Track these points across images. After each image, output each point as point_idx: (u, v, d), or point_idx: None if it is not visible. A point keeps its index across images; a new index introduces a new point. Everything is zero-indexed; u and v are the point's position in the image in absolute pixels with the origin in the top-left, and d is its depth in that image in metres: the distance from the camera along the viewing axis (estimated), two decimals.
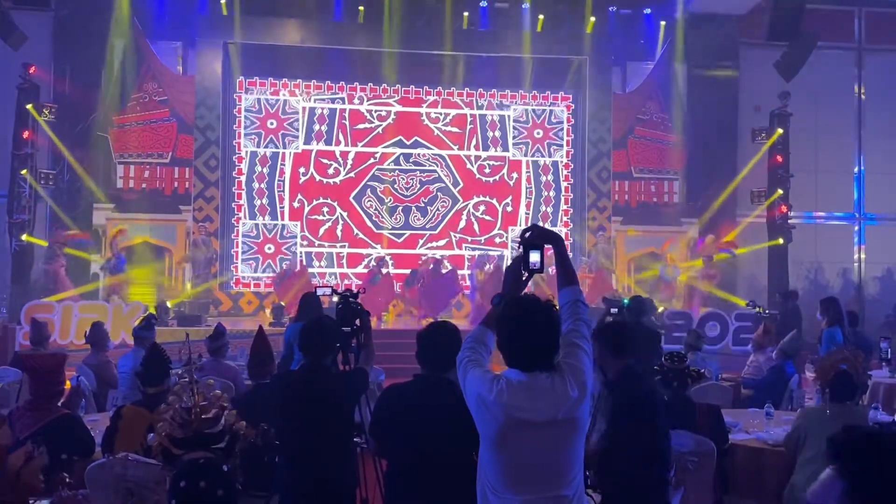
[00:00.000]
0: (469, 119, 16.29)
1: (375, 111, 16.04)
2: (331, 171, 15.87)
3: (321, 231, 15.79)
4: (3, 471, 2.27)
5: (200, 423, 2.44)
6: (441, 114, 16.21)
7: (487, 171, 16.32)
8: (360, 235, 15.82)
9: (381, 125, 16.04)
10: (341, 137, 15.92)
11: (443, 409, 3.19)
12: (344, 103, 15.98)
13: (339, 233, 15.80)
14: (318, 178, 15.82)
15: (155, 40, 14.99)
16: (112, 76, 14.32)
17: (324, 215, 15.85)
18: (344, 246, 15.81)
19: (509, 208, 16.29)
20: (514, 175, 16.38)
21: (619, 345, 3.61)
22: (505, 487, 2.52)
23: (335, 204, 15.85)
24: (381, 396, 3.68)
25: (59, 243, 13.16)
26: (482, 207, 16.26)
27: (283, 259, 15.42)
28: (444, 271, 14.23)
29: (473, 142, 16.25)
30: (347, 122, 15.94)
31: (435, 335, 3.48)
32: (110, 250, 13.66)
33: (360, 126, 15.97)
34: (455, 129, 16.22)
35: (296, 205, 15.75)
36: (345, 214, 15.86)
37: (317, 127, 15.85)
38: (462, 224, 16.17)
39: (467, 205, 16.19)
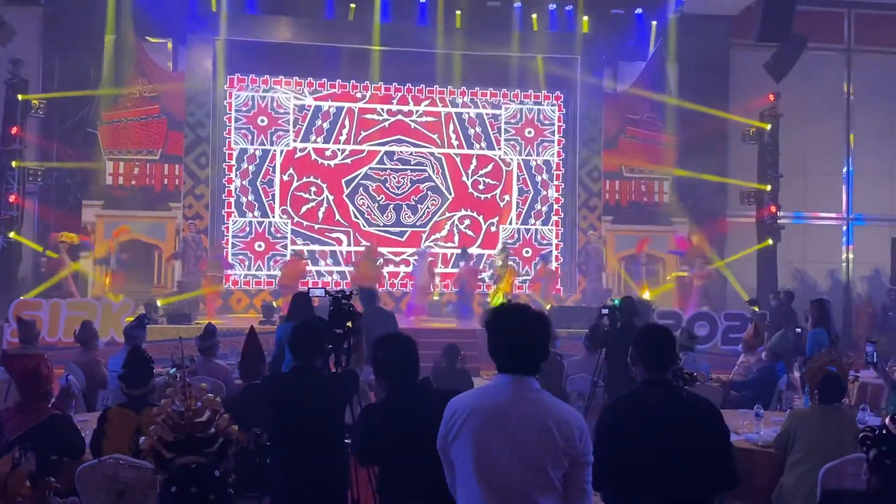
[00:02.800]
0: (459, 118, 16.29)
1: (368, 108, 16.01)
2: (328, 152, 15.86)
3: (303, 209, 15.75)
4: None
5: (192, 427, 2.44)
6: (430, 112, 16.19)
7: (482, 187, 16.31)
8: (340, 219, 15.79)
9: (388, 120, 16.03)
10: (343, 127, 15.91)
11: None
12: (335, 101, 15.96)
13: (320, 215, 15.76)
14: (314, 156, 15.80)
15: (145, 37, 14.91)
16: (101, 72, 14.23)
17: (310, 194, 15.81)
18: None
19: (493, 228, 16.24)
20: (507, 197, 16.36)
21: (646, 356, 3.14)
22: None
23: (324, 186, 15.82)
24: (364, 415, 3.48)
25: (59, 243, 13.09)
26: (467, 221, 16.25)
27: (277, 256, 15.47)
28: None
29: (454, 138, 16.19)
30: (353, 119, 15.96)
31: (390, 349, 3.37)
32: (111, 247, 13.66)
33: (358, 121, 15.96)
34: (443, 127, 16.19)
35: (286, 178, 15.71)
36: (331, 198, 15.83)
37: (310, 123, 15.84)
38: (444, 232, 16.16)
39: (453, 216, 16.18)
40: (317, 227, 15.77)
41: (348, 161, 15.90)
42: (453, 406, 2.60)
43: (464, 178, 16.24)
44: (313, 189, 15.81)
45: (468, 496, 2.51)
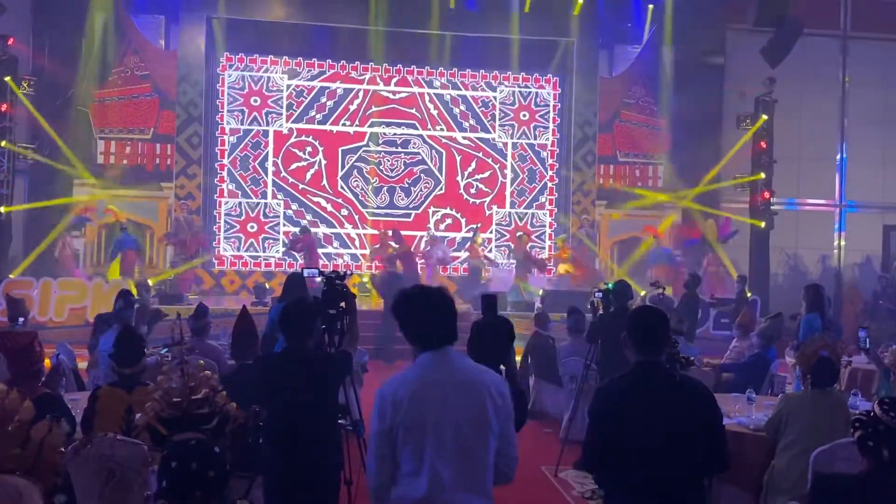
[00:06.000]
0: (452, 100, 16.18)
1: (357, 89, 15.90)
2: (332, 118, 15.78)
3: (293, 165, 15.65)
4: (26, 444, 2.25)
5: (189, 404, 2.42)
6: (422, 94, 16.07)
7: (473, 191, 16.24)
8: (326, 185, 15.73)
9: (396, 99, 15.95)
10: (336, 107, 15.82)
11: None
12: (329, 81, 15.84)
13: (308, 175, 15.67)
14: (318, 118, 15.72)
15: (137, 13, 14.75)
16: (92, 49, 14.08)
17: (304, 153, 15.71)
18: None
19: (470, 233, 15.99)
20: (494, 208, 16.29)
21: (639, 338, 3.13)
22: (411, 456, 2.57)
23: (321, 149, 15.71)
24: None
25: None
26: (448, 221, 16.17)
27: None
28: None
29: (432, 110, 16.08)
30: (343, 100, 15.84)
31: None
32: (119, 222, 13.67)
33: (351, 102, 15.87)
34: (425, 107, 16.07)
35: (285, 131, 15.63)
36: (324, 163, 15.73)
37: (301, 102, 15.74)
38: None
39: (438, 211, 16.10)
40: (301, 186, 15.66)
41: (350, 131, 15.79)
42: (392, 388, 2.64)
43: (458, 178, 16.16)
44: (308, 149, 15.70)
45: (420, 464, 2.58)
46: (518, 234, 15.23)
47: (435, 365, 2.68)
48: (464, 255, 15.42)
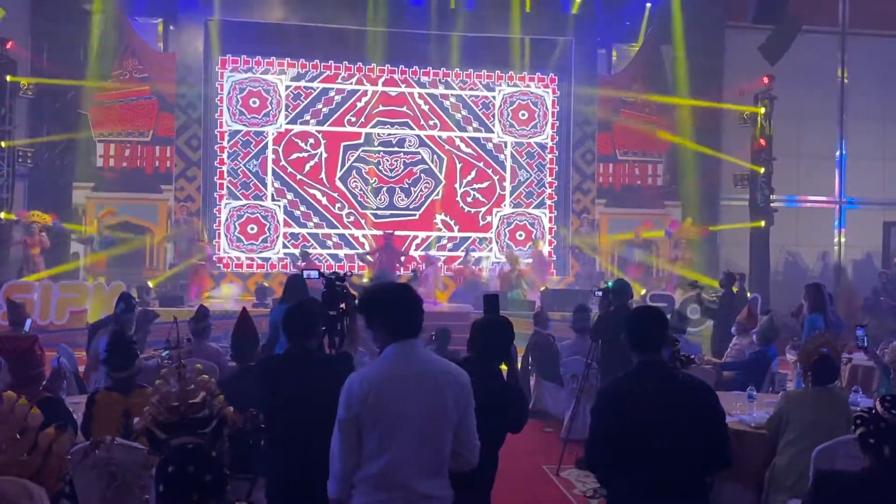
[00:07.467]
0: (451, 100, 16.16)
1: (359, 90, 15.89)
2: (335, 116, 15.77)
3: (293, 155, 15.62)
4: (33, 450, 2.26)
5: (187, 408, 2.42)
6: (420, 94, 16.05)
7: (470, 199, 16.21)
8: (324, 178, 15.72)
9: (397, 101, 15.94)
10: (335, 108, 15.82)
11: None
12: (328, 83, 15.83)
13: (307, 167, 15.65)
14: (323, 110, 15.69)
15: (135, 16, 14.75)
16: (91, 53, 14.08)
17: (306, 145, 15.68)
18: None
19: (464, 234, 16.09)
20: (488, 218, 16.26)
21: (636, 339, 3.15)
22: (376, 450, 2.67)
23: (323, 142, 15.68)
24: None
25: (30, 223, 13.01)
26: (442, 227, 16.18)
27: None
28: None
29: (427, 109, 16.06)
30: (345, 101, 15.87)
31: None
32: (97, 228, 13.58)
33: (352, 102, 15.88)
34: (427, 108, 16.04)
35: (286, 127, 15.60)
36: (325, 157, 15.70)
37: (301, 104, 15.73)
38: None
39: (436, 217, 16.09)
40: (298, 177, 15.64)
41: (354, 129, 15.76)
42: (359, 380, 2.76)
43: (456, 185, 16.14)
44: (311, 141, 15.68)
45: (382, 450, 2.69)
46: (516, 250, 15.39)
47: (400, 357, 2.77)
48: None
